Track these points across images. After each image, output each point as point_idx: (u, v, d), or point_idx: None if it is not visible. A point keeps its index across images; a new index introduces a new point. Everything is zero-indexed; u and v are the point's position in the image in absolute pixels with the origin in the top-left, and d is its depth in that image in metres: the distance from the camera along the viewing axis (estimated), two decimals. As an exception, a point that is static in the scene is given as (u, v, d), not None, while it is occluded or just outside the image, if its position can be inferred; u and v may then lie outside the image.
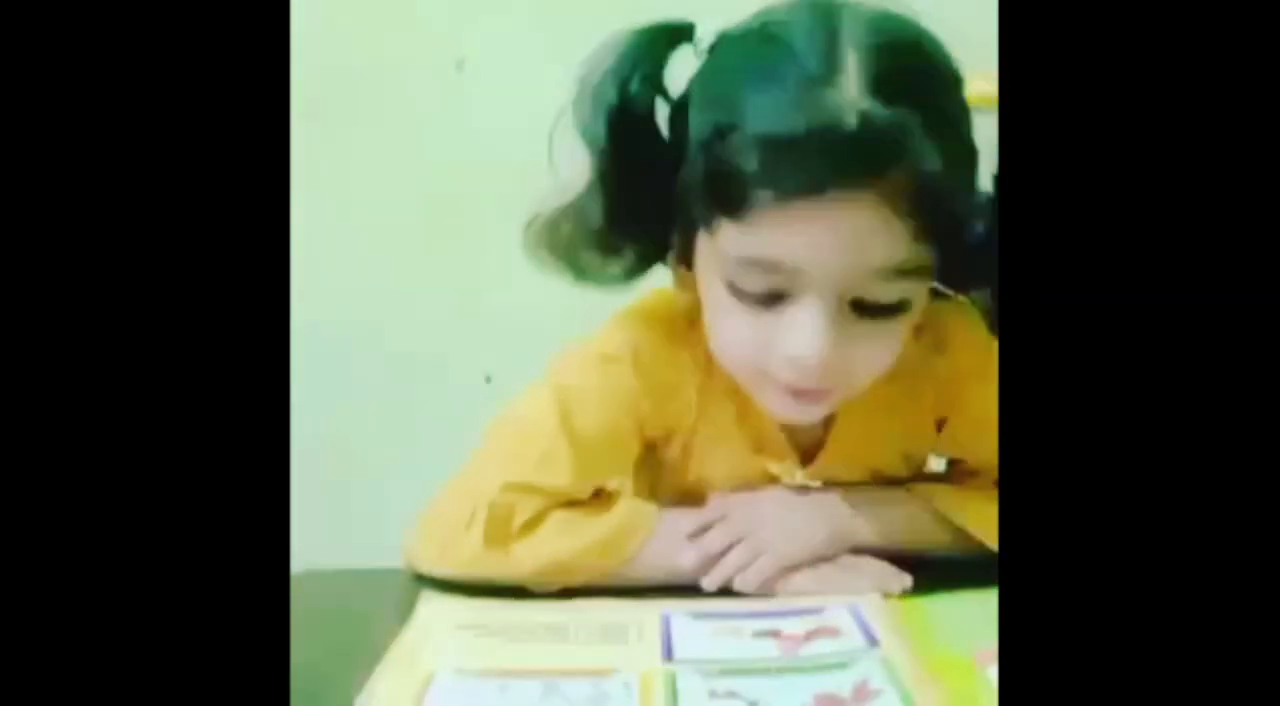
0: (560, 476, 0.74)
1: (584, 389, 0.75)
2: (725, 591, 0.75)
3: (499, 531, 0.73)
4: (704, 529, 0.76)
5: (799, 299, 0.62)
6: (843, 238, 0.59)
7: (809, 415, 0.71)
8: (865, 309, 0.63)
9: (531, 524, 0.74)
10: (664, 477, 0.82)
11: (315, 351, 1.21)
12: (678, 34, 0.67)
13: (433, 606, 0.73)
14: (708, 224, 0.63)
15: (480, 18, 1.27)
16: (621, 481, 0.82)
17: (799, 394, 0.67)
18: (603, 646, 0.67)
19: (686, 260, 0.70)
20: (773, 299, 0.63)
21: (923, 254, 0.61)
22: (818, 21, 0.60)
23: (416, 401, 1.30)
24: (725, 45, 0.66)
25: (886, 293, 0.63)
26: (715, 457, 0.79)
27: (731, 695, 0.60)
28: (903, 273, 0.62)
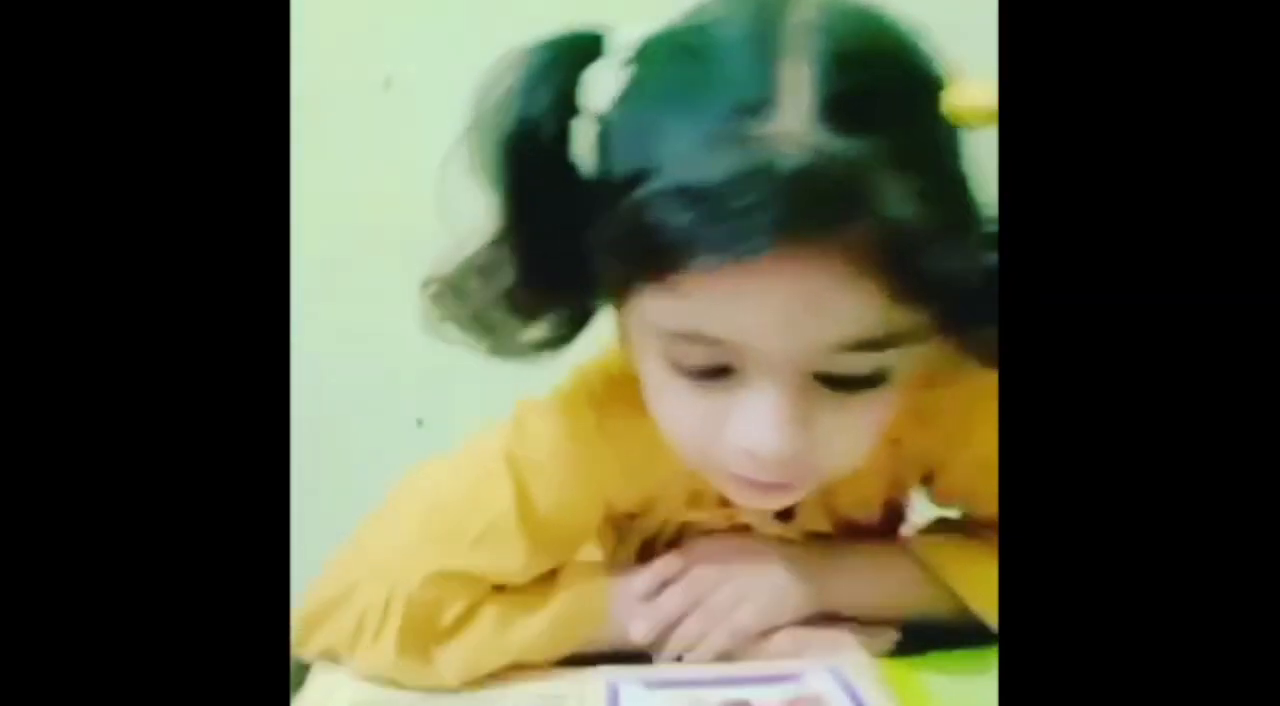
0: (508, 562, 0.61)
1: (538, 456, 0.62)
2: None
3: (419, 634, 0.60)
4: (658, 589, 0.64)
5: (749, 380, 0.49)
6: (793, 308, 0.45)
7: (773, 503, 0.58)
8: (835, 382, 0.49)
9: (460, 622, 0.61)
10: (629, 534, 0.70)
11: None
12: (588, 45, 0.51)
13: (324, 679, 0.60)
14: (630, 289, 0.49)
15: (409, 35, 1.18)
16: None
17: (760, 486, 0.53)
18: (534, 725, 0.55)
19: (621, 312, 0.56)
20: (719, 373, 0.49)
21: (903, 318, 0.46)
22: (755, 25, 0.46)
23: (342, 445, 1.16)
24: (645, 60, 0.49)
25: (858, 364, 0.48)
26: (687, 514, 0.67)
27: (691, 782, 0.48)
28: (876, 344, 0.47)
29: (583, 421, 0.61)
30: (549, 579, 0.64)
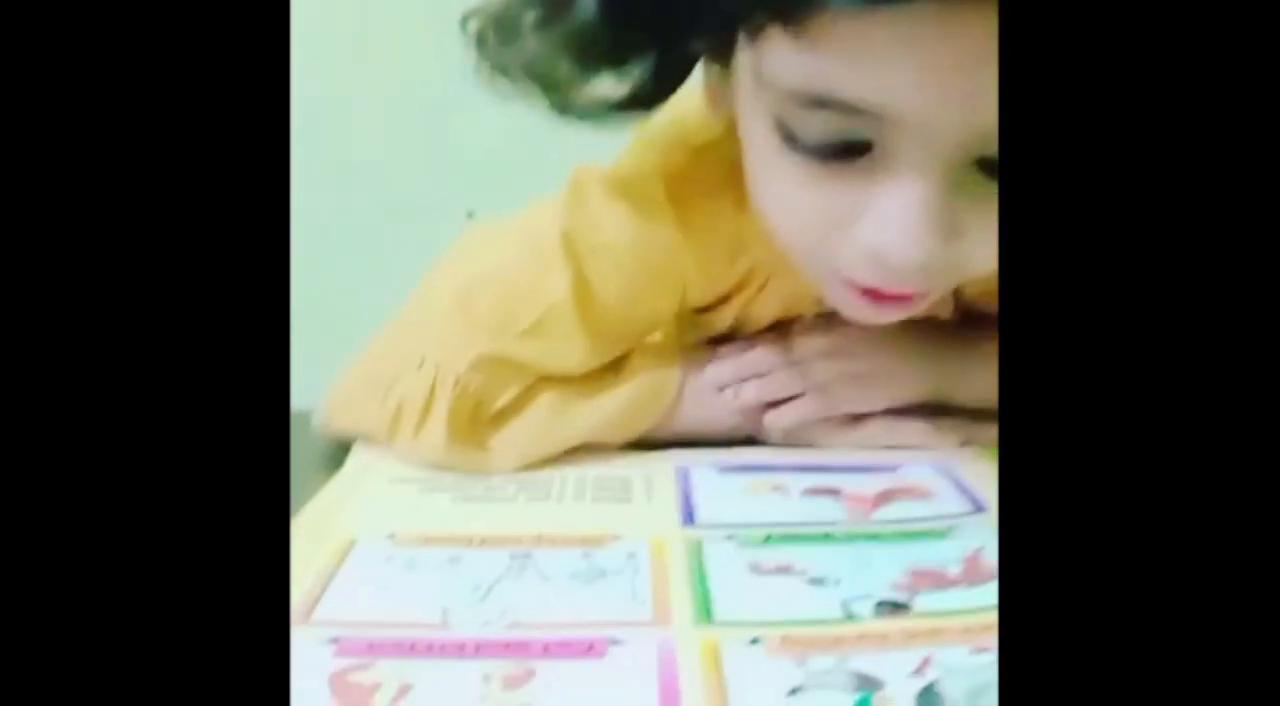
0: (564, 356, 0.53)
1: (601, 237, 0.52)
2: (754, 441, 0.56)
3: (469, 421, 0.53)
4: (741, 380, 0.56)
5: (891, 164, 0.38)
6: (959, 67, 0.34)
7: (890, 317, 0.47)
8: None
9: (514, 408, 0.54)
10: (695, 329, 0.61)
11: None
12: None
13: (367, 456, 0.54)
14: (749, 29, 0.38)
15: None
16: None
17: (878, 297, 0.44)
18: (596, 507, 0.48)
19: (723, 63, 0.44)
20: (850, 152, 0.38)
21: None
22: None
23: (392, 244, 1.08)
24: None
25: None
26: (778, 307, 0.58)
27: (784, 569, 0.41)
28: None
29: (654, 199, 0.51)
30: (616, 367, 0.56)
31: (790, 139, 0.39)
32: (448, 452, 0.52)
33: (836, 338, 0.55)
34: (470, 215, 1.14)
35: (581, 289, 0.52)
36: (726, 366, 0.56)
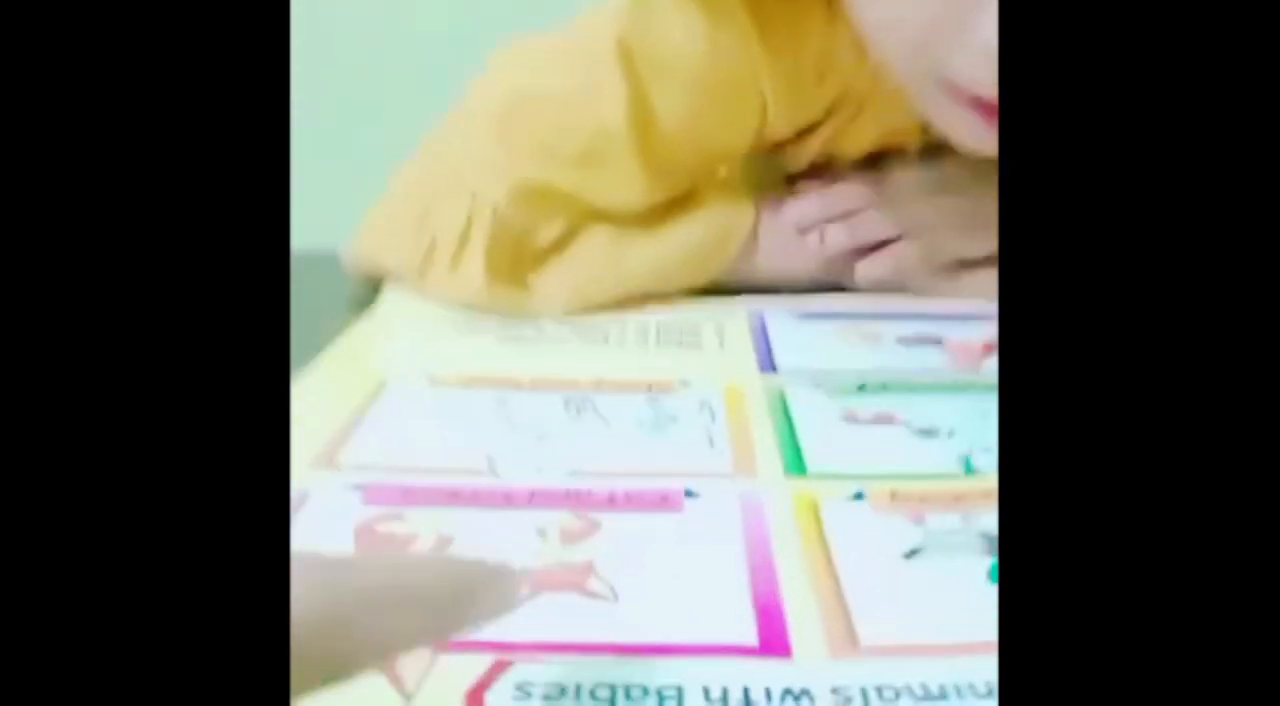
0: (618, 189, 0.46)
1: (665, 48, 0.45)
2: (836, 288, 0.50)
3: (510, 257, 0.46)
4: (827, 220, 0.49)
5: None
6: None
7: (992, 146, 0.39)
8: None
9: (561, 244, 0.47)
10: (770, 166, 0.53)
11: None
12: None
13: (401, 295, 0.49)
14: None
15: None
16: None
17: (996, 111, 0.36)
18: (660, 352, 0.42)
19: None
20: None
21: None
22: None
23: (433, 67, 0.98)
24: None
25: None
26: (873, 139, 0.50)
27: (884, 419, 0.35)
28: None
29: (727, 7, 0.44)
30: (682, 200, 0.49)
31: None
32: (487, 290, 0.46)
33: (940, 171, 0.48)
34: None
35: (640, 109, 0.45)
36: (810, 203, 0.49)
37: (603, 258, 0.47)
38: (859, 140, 0.50)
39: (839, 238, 0.48)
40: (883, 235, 0.48)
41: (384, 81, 0.96)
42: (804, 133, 0.50)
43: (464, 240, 0.46)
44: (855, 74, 0.46)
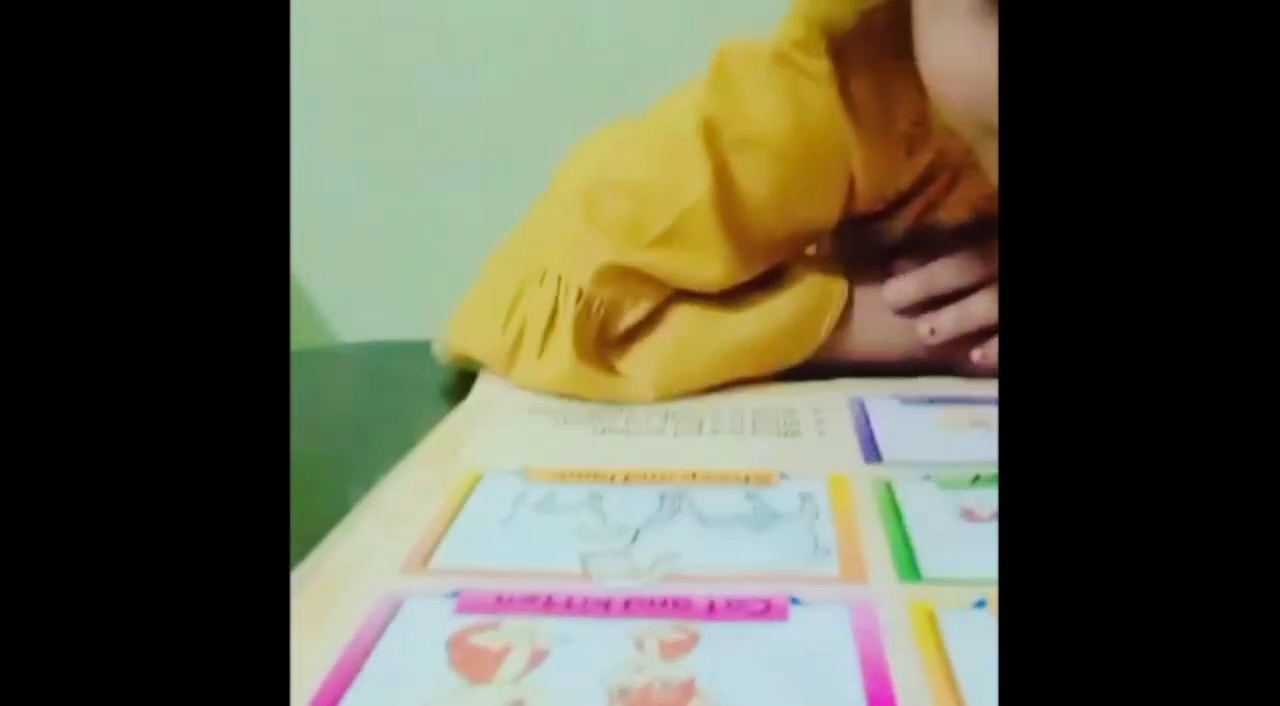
0: (702, 267, 0.45)
1: (750, 126, 0.44)
2: (940, 371, 0.47)
3: (596, 339, 0.46)
4: (928, 302, 0.47)
5: None
6: None
7: None
8: None
9: (647, 326, 0.46)
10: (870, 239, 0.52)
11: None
12: None
13: (497, 381, 0.48)
14: None
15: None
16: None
17: None
18: (758, 441, 0.41)
19: None
20: None
21: None
22: None
23: (518, 159, 0.99)
24: None
25: None
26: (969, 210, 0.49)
27: (1003, 517, 0.33)
28: None
29: (815, 78, 0.43)
30: (767, 274, 0.48)
31: None
32: (575, 373, 0.45)
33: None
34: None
35: (724, 187, 0.44)
36: (908, 282, 0.47)
37: (690, 338, 0.46)
38: (955, 210, 0.48)
39: (948, 325, 0.46)
40: (992, 319, 0.46)
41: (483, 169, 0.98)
42: (897, 204, 0.49)
43: (551, 324, 0.46)
44: (947, 143, 0.44)
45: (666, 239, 0.45)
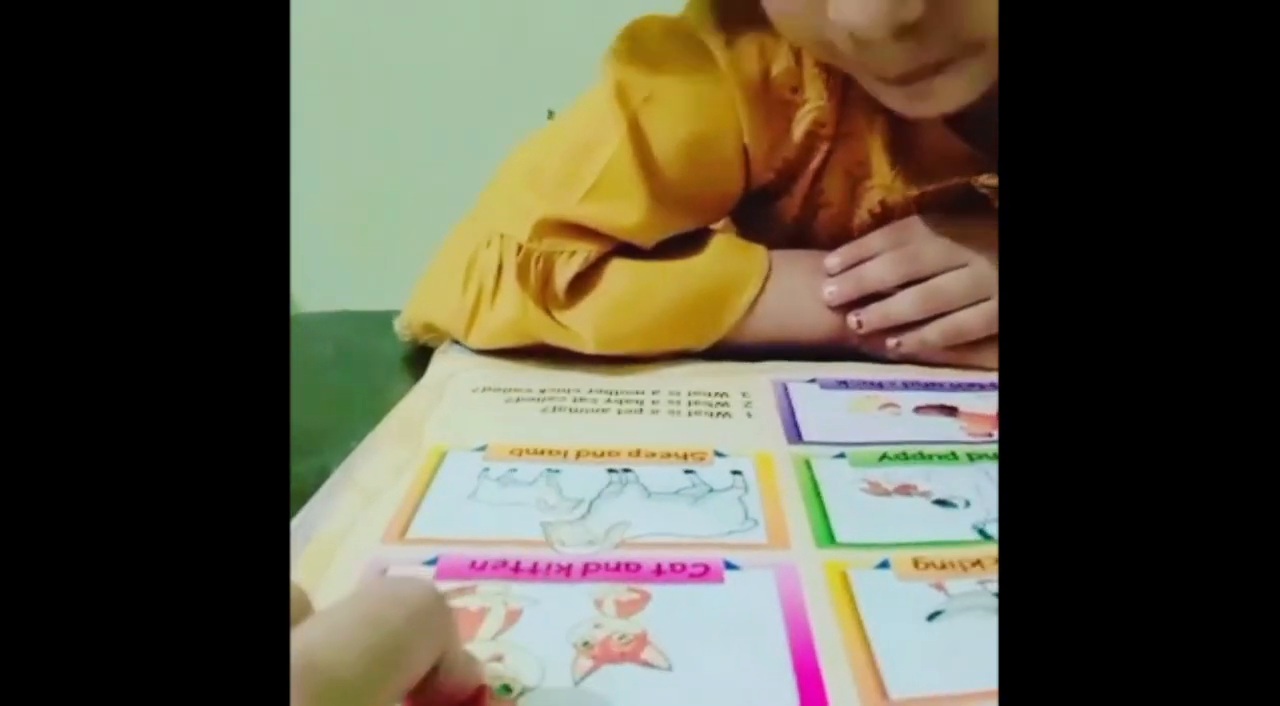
0: (625, 214, 0.50)
1: (654, 84, 0.51)
2: (854, 354, 0.53)
3: (537, 289, 0.50)
4: (853, 263, 0.52)
5: None
6: None
7: (923, 109, 0.44)
8: None
9: (584, 277, 0.51)
10: (772, 221, 0.58)
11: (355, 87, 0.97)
12: None
13: (451, 361, 0.52)
14: None
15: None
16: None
17: (898, 79, 0.42)
18: (695, 422, 0.45)
19: None
20: None
21: None
22: None
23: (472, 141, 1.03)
24: None
25: None
26: (863, 190, 0.54)
27: (905, 490, 0.38)
28: None
29: (707, 43, 0.51)
30: (697, 242, 0.53)
31: None
32: (524, 320, 0.50)
33: (960, 231, 0.51)
34: (551, 114, 1.10)
35: (637, 138, 0.50)
36: (844, 283, 0.52)
37: (624, 297, 0.51)
38: (835, 180, 0.54)
39: (874, 319, 0.52)
40: (916, 316, 0.51)
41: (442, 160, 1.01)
42: (786, 177, 0.55)
43: (498, 280, 0.51)
44: (821, 111, 0.51)
45: (595, 192, 0.50)
